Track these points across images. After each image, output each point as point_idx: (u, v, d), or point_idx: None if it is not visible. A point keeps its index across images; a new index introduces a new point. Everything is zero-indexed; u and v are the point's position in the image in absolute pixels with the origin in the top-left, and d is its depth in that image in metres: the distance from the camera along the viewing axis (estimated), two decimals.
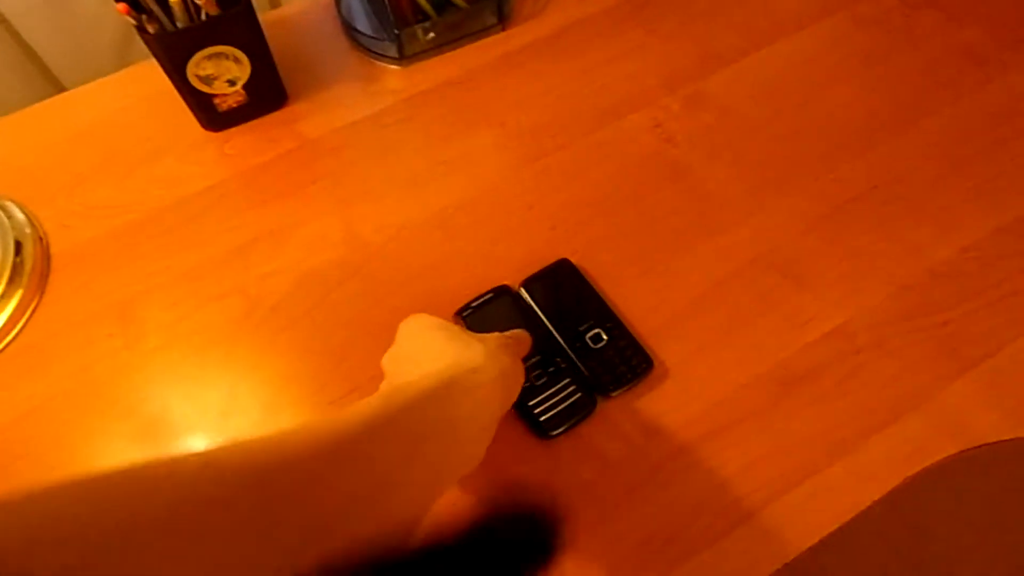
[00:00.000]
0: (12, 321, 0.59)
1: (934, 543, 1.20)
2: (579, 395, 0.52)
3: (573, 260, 0.58)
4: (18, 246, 0.62)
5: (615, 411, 0.52)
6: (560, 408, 0.51)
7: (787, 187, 0.63)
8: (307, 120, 0.69)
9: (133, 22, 0.57)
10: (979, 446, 0.51)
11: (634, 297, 0.57)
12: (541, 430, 0.51)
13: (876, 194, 0.62)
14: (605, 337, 0.54)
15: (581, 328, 0.54)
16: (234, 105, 0.66)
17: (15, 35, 0.80)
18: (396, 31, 0.69)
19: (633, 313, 0.56)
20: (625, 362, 0.53)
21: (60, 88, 0.87)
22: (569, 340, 0.54)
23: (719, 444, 0.51)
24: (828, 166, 0.64)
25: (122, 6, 0.55)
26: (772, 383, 0.53)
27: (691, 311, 0.57)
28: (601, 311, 0.56)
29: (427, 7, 0.70)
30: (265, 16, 0.64)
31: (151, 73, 0.66)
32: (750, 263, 0.59)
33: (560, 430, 0.51)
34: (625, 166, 0.65)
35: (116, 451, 0.53)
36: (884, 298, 0.56)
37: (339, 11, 0.75)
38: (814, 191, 0.63)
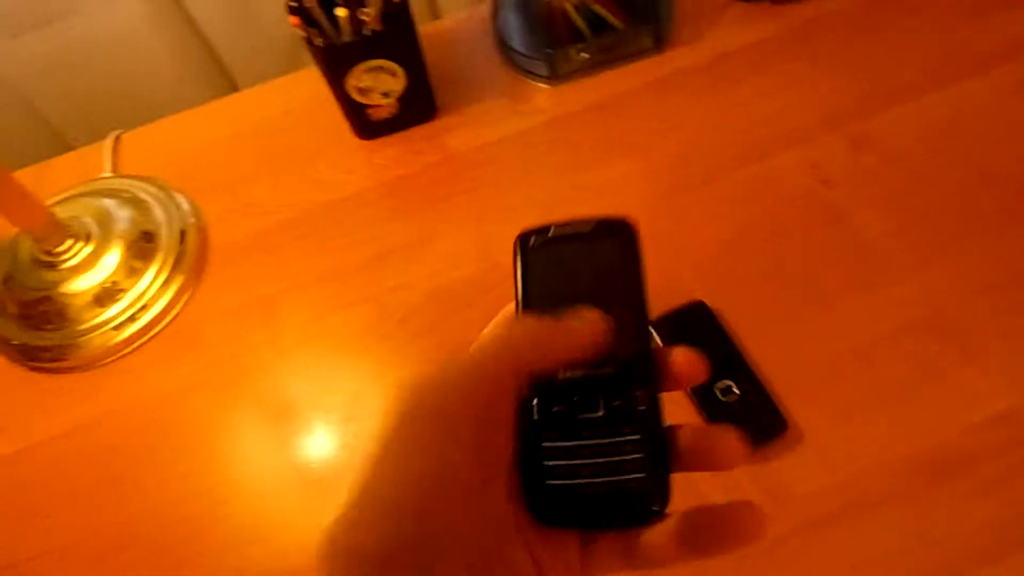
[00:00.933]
0: (171, 305, 0.64)
1: None
2: None
3: (709, 303, 0.55)
4: (182, 235, 0.67)
5: (738, 472, 0.49)
6: None
7: (957, 246, 0.57)
8: (454, 134, 0.70)
9: (303, 35, 0.60)
10: None
11: (773, 350, 0.53)
12: None
13: None
14: (736, 391, 0.51)
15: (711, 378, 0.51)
16: (386, 116, 0.68)
17: (200, 35, 0.87)
18: (549, 49, 0.69)
19: (770, 367, 0.53)
20: (755, 420, 0.50)
21: (234, 86, 0.93)
22: (696, 389, 0.51)
23: (851, 526, 0.47)
24: (1006, 228, 0.57)
25: (295, 19, 0.58)
26: (922, 466, 0.48)
27: (835, 372, 0.53)
28: (734, 361, 0.53)
29: (583, 26, 0.69)
30: (423, 28, 0.65)
31: (311, 80, 0.69)
32: (908, 326, 0.54)
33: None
34: (774, 207, 0.61)
35: (249, 437, 0.56)
36: None
37: (495, 26, 0.75)
38: (988, 254, 0.56)
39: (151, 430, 0.58)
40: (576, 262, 0.32)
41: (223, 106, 0.77)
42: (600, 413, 0.28)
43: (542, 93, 0.72)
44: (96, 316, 0.62)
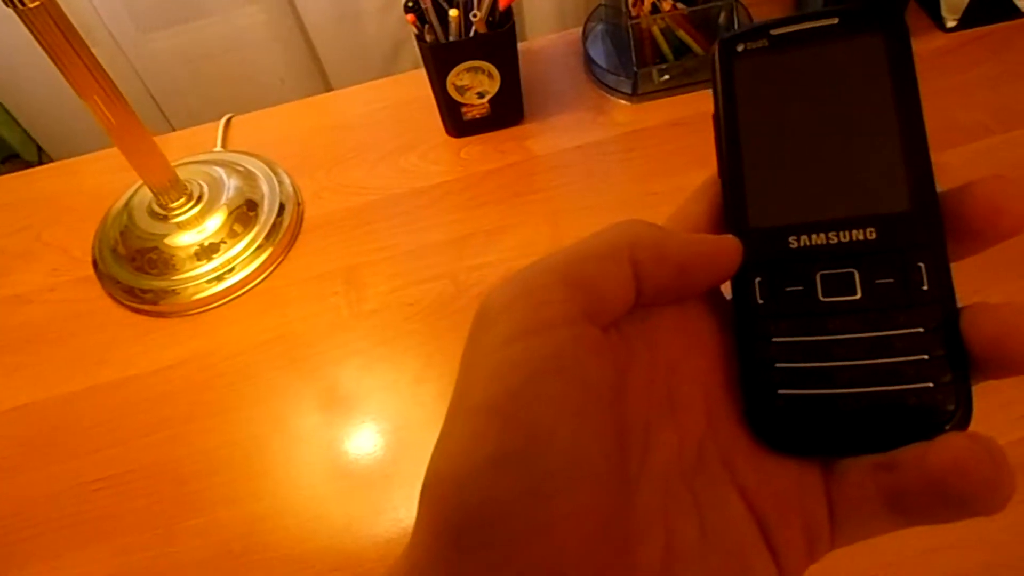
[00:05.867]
0: (262, 268, 0.69)
1: None
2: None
3: None
4: (281, 208, 0.72)
5: None
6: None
7: None
8: (537, 138, 0.75)
9: (415, 31, 0.66)
10: None
11: None
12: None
13: None
14: None
15: None
16: (477, 116, 0.73)
17: (305, 37, 0.95)
18: (635, 69, 0.74)
19: None
20: None
21: (330, 88, 1.01)
22: None
23: None
24: None
25: (410, 16, 0.64)
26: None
27: None
28: None
29: (667, 50, 0.74)
30: (520, 44, 0.71)
31: (409, 83, 0.76)
32: None
33: None
34: None
35: (320, 391, 0.60)
36: None
37: (584, 45, 0.81)
38: None
39: (232, 374, 0.62)
40: (809, 72, 0.22)
41: (327, 100, 0.84)
42: (857, 296, 0.20)
43: (623, 109, 0.76)
44: (194, 268, 0.68)
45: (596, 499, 0.18)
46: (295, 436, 0.58)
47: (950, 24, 0.76)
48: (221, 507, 0.55)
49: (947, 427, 0.18)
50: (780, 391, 0.20)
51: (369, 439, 0.57)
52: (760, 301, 0.21)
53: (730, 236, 0.22)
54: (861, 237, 0.20)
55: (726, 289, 0.23)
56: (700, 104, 0.75)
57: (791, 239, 0.21)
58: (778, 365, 0.20)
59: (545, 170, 0.73)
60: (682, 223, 0.24)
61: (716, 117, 0.24)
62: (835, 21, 0.22)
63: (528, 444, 0.18)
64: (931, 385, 0.19)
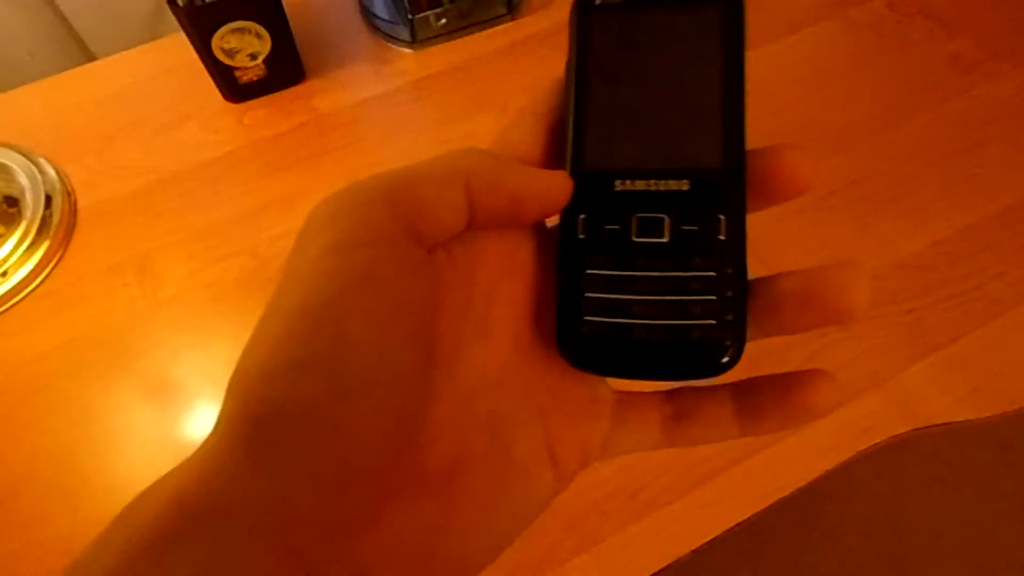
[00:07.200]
0: (38, 269, 0.64)
1: (887, 516, 1.30)
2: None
3: None
4: (48, 200, 0.66)
5: None
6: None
7: None
8: (322, 96, 0.73)
9: None
10: (929, 426, 0.54)
11: None
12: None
13: (854, 189, 0.65)
14: None
15: None
16: (254, 79, 0.70)
17: (51, 4, 0.85)
18: (410, 16, 0.73)
19: None
20: None
21: (91, 58, 0.92)
22: None
23: None
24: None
25: None
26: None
27: None
28: None
29: None
30: None
31: (178, 46, 0.70)
32: None
33: None
34: None
35: (127, 389, 0.58)
36: None
37: None
38: None
39: (26, 386, 0.58)
40: (654, 33, 0.24)
41: (85, 73, 0.77)
42: (665, 239, 0.23)
43: (405, 57, 0.76)
44: None
45: (392, 404, 0.19)
46: (105, 440, 0.56)
47: None
48: (33, 528, 0.52)
49: (723, 360, 0.21)
50: (586, 318, 0.22)
51: (189, 430, 0.56)
52: (581, 236, 0.23)
53: (562, 173, 0.24)
54: (675, 188, 0.23)
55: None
56: (481, 46, 0.76)
57: (616, 182, 0.23)
58: (588, 295, 0.23)
59: (334, 128, 0.72)
60: (506, 149, 0.25)
61: (568, 64, 0.25)
62: None
63: (333, 348, 0.19)
64: (714, 322, 0.21)
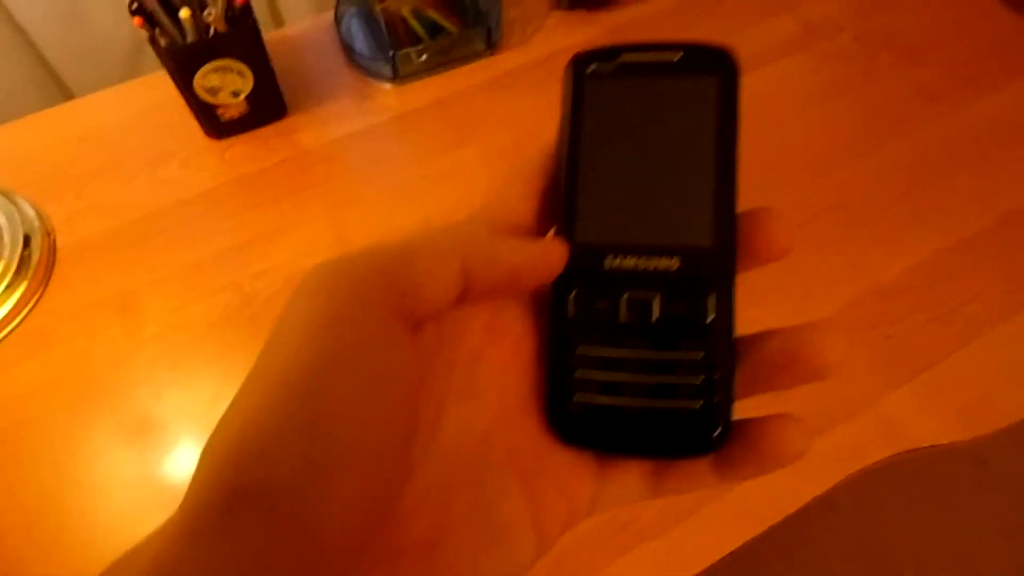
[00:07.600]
0: (17, 309, 0.63)
1: (871, 539, 1.30)
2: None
3: None
4: (27, 239, 0.66)
5: None
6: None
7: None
8: (304, 132, 0.74)
9: (147, 33, 0.61)
10: (913, 450, 0.55)
11: None
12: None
13: (828, 216, 0.67)
14: None
15: None
16: (236, 115, 0.71)
17: (31, 45, 0.85)
18: (391, 52, 0.74)
19: None
20: None
21: (70, 96, 0.92)
22: None
23: None
24: (783, 191, 0.69)
25: (137, 19, 0.60)
26: None
27: None
28: None
29: (421, 32, 0.75)
30: (270, 34, 0.68)
31: (159, 84, 0.71)
32: None
33: None
34: None
35: (109, 430, 0.57)
36: (831, 313, 0.61)
37: (339, 32, 0.80)
38: None
39: (6, 429, 0.57)
40: (648, 102, 0.24)
41: (64, 111, 0.77)
42: (653, 320, 0.22)
43: (386, 93, 0.77)
44: None
45: (371, 478, 0.19)
46: (89, 483, 0.55)
47: None
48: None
49: (710, 439, 0.22)
50: (576, 395, 0.23)
51: (172, 471, 0.55)
52: (572, 314, 0.23)
53: (557, 241, 0.24)
54: (665, 266, 0.22)
55: None
56: (462, 81, 0.77)
57: (607, 259, 0.23)
58: (577, 375, 0.23)
59: (317, 163, 0.72)
60: (499, 213, 0.25)
61: (561, 130, 0.25)
62: (679, 55, 0.24)
63: (314, 422, 0.18)
64: (701, 403, 0.22)
